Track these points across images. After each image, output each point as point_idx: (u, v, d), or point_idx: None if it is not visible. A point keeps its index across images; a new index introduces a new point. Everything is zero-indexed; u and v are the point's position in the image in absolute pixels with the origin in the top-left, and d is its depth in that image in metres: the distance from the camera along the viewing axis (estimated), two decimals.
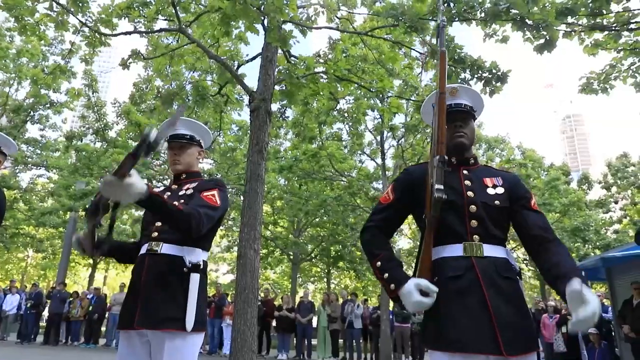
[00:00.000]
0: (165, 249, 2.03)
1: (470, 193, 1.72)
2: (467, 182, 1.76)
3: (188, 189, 2.17)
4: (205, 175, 2.33)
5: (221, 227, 21.00)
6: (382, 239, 1.77)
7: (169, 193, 2.21)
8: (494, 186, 1.76)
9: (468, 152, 1.84)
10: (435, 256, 1.67)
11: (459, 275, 1.59)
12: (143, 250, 2.09)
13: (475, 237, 1.64)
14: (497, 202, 1.71)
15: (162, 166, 16.74)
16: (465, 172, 1.80)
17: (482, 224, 1.66)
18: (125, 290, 2.16)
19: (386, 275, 1.63)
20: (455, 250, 1.64)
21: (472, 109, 1.86)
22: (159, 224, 2.09)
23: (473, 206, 1.69)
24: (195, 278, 2.00)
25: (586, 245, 18.30)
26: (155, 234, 2.07)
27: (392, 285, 1.60)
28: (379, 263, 1.67)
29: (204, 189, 2.11)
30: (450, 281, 1.59)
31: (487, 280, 1.58)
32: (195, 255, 2.05)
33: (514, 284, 1.64)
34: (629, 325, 7.30)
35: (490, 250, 1.64)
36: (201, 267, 2.04)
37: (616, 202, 21.87)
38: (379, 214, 1.81)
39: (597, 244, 18.57)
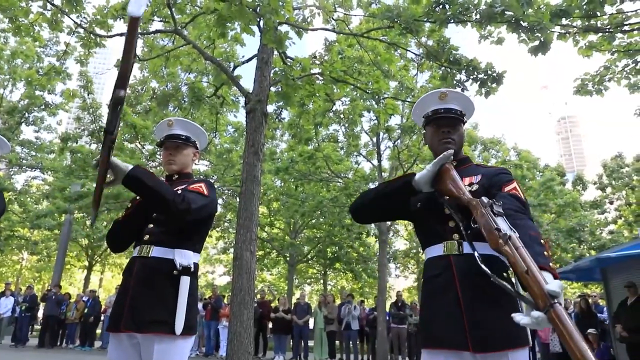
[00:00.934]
0: (156, 252, 2.01)
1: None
2: None
3: (178, 189, 2.14)
4: (201, 177, 2.33)
5: (217, 229, 21.00)
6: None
7: None
8: (470, 184, 1.75)
9: (456, 156, 1.83)
10: (425, 257, 1.77)
11: (437, 274, 1.65)
12: (135, 253, 2.07)
13: (455, 235, 1.67)
14: None
15: (158, 168, 16.69)
16: None
17: (459, 222, 1.66)
18: None
19: (387, 186, 1.79)
20: (437, 250, 1.70)
21: (461, 113, 1.85)
22: (150, 226, 2.07)
23: (447, 209, 1.71)
24: (185, 281, 1.98)
25: (581, 246, 18.40)
26: (147, 236, 2.05)
27: (404, 180, 1.71)
28: (374, 192, 1.86)
29: (191, 185, 2.12)
30: (430, 280, 1.67)
31: (462, 278, 1.60)
32: (186, 258, 2.03)
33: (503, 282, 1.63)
34: (621, 325, 7.33)
35: (471, 248, 1.62)
36: (192, 269, 2.02)
37: (611, 203, 21.98)
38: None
39: (592, 244, 18.67)
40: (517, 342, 1.55)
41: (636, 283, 7.54)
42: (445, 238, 1.69)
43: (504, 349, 1.53)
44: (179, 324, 1.90)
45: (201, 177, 2.30)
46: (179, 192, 1.99)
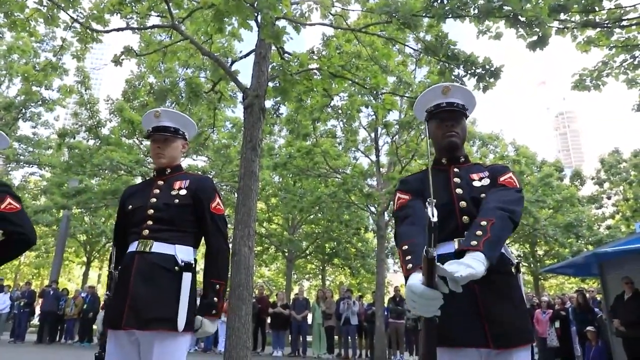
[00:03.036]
0: (157, 247, 1.99)
1: (459, 190, 1.74)
2: (456, 180, 1.78)
3: (180, 188, 2.13)
4: (199, 172, 2.32)
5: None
6: (415, 229, 1.62)
7: (157, 191, 2.14)
8: (480, 179, 1.77)
9: (459, 151, 1.86)
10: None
11: None
12: (132, 248, 2.03)
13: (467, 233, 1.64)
14: (483, 194, 1.71)
15: None
16: (455, 170, 1.81)
17: (473, 219, 1.65)
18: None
19: (409, 257, 1.49)
20: (448, 247, 1.65)
21: (463, 107, 1.86)
22: (150, 222, 2.04)
23: (463, 202, 1.70)
24: (187, 277, 1.97)
25: (579, 241, 18.44)
26: (146, 232, 2.02)
27: (410, 265, 1.46)
28: (405, 247, 1.54)
29: (207, 198, 2.13)
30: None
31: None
32: (187, 254, 2.02)
33: (508, 277, 1.65)
34: (619, 320, 7.37)
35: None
36: (192, 265, 2.02)
37: (609, 198, 22.06)
38: (403, 211, 1.72)
39: (590, 239, 18.71)
40: (527, 338, 1.58)
41: (633, 277, 7.57)
42: (457, 235, 1.66)
43: (523, 343, 1.55)
44: (182, 321, 1.90)
45: (199, 173, 2.30)
46: (221, 250, 2.14)
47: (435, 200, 1.26)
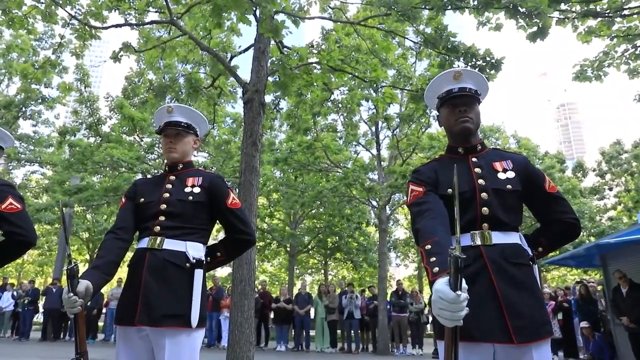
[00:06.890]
0: (167, 244, 1.99)
1: (481, 181, 1.69)
2: (477, 170, 1.73)
3: (194, 185, 2.13)
4: (200, 168, 2.33)
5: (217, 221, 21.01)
6: (435, 224, 1.53)
7: (170, 186, 2.14)
8: (504, 170, 1.73)
9: (474, 137, 1.81)
10: None
11: (466, 265, 1.53)
12: (143, 244, 2.02)
13: (485, 225, 1.63)
14: (509, 186, 1.68)
15: (157, 160, 16.65)
16: (474, 159, 1.76)
17: (493, 211, 1.64)
18: (123, 285, 2.12)
19: (433, 259, 1.39)
20: (464, 240, 1.61)
21: (476, 92, 1.80)
22: (162, 218, 2.04)
23: (484, 193, 1.66)
24: (199, 274, 1.97)
25: (581, 232, 18.39)
26: (157, 228, 2.02)
27: (436, 269, 1.36)
28: (428, 246, 1.44)
29: (222, 196, 2.14)
30: None
31: (495, 267, 1.56)
32: (198, 251, 2.03)
33: (526, 269, 1.62)
34: (627, 317, 7.29)
35: (499, 237, 1.62)
36: (204, 262, 2.02)
37: (610, 189, 22.01)
38: (420, 205, 1.62)
39: (592, 231, 18.70)
40: (548, 330, 1.56)
41: (635, 269, 7.56)
42: (474, 227, 1.62)
43: (544, 337, 1.52)
44: (195, 317, 1.91)
45: (200, 168, 2.28)
46: (248, 238, 2.20)
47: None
